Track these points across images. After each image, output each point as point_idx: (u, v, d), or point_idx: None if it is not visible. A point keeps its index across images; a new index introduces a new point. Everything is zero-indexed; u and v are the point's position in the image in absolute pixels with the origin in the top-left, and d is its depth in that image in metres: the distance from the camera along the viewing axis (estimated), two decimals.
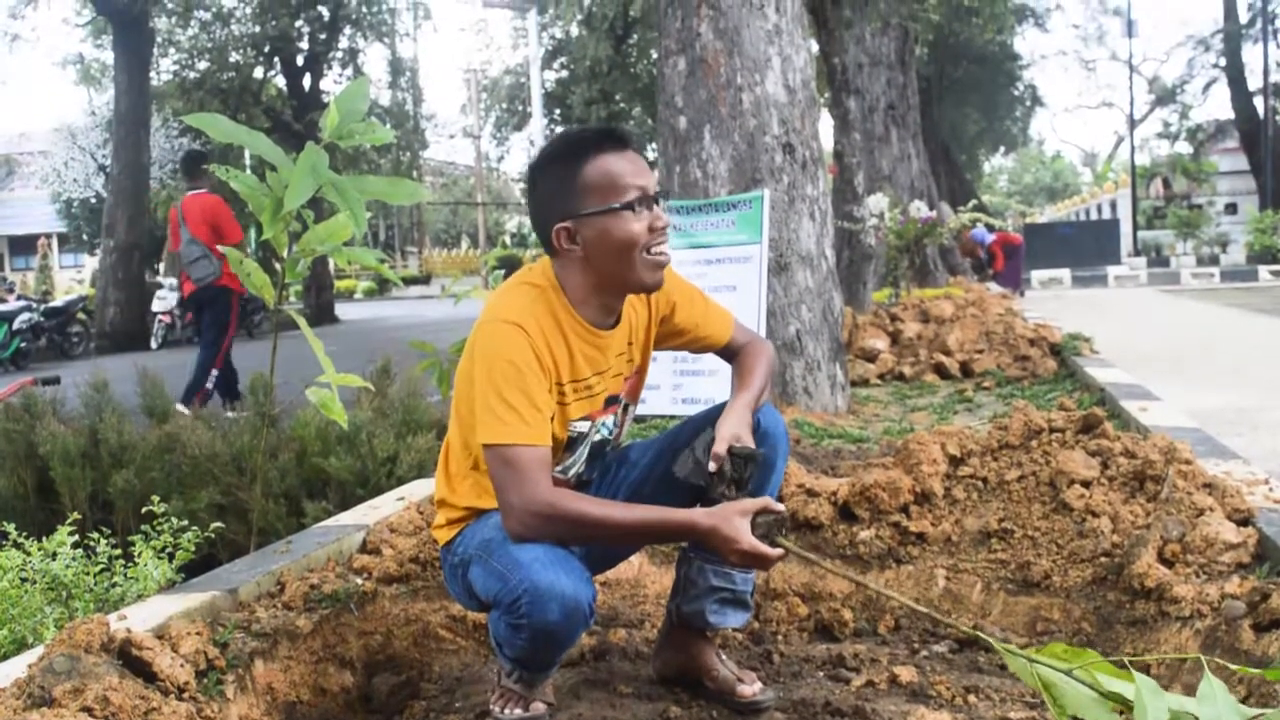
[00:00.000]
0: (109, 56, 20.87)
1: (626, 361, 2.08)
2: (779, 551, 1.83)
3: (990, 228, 16.36)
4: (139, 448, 4.71)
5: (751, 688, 2.12)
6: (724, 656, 2.22)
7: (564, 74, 24.46)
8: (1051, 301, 15.06)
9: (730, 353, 2.24)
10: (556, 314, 1.95)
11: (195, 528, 3.27)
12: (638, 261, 1.93)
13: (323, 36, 21.60)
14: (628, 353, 2.08)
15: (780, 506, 1.86)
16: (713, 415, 2.10)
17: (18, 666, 1.92)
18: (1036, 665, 1.51)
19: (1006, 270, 16.92)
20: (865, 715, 2.02)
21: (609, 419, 2.08)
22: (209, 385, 7.33)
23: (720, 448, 1.91)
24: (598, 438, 2.07)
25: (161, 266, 25.42)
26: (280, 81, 22.79)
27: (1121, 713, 1.47)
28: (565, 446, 2.01)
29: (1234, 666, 1.58)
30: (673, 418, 4.27)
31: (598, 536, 1.87)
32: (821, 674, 2.34)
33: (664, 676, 2.27)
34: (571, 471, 2.06)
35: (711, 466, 1.92)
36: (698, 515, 1.85)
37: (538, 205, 1.98)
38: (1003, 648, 1.57)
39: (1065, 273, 22.02)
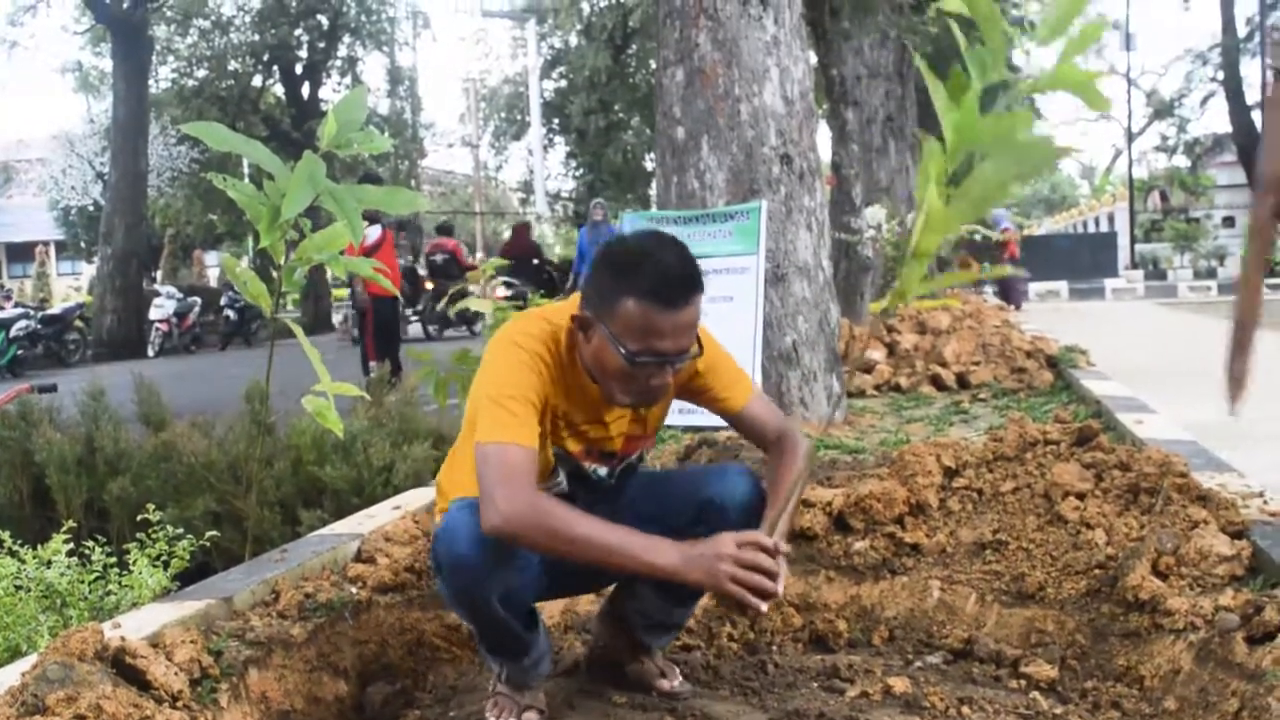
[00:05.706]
0: (108, 64, 20.89)
1: (631, 422, 2.10)
2: (765, 606, 1.84)
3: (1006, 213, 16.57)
4: (135, 456, 4.72)
5: (671, 682, 2.21)
6: (654, 650, 2.28)
7: (563, 83, 24.47)
8: (1049, 314, 15.06)
9: (744, 425, 2.17)
10: (562, 357, 1.98)
11: (190, 536, 3.27)
12: (615, 389, 1.95)
13: (322, 45, 21.67)
14: (632, 414, 2.09)
15: (777, 544, 1.88)
16: (706, 482, 2.11)
17: (11, 674, 1.91)
18: None
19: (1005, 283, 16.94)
20: None
21: (603, 469, 2.12)
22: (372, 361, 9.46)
23: None
24: (592, 477, 2.11)
25: (159, 274, 25.41)
26: (279, 90, 22.85)
27: None
28: (551, 471, 2.05)
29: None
30: (670, 428, 4.27)
31: (576, 545, 1.80)
32: (816, 685, 2.34)
33: (593, 647, 2.34)
34: (553, 492, 2.08)
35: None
36: (681, 563, 1.81)
37: (590, 275, 1.97)
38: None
39: (1063, 285, 22.04)
